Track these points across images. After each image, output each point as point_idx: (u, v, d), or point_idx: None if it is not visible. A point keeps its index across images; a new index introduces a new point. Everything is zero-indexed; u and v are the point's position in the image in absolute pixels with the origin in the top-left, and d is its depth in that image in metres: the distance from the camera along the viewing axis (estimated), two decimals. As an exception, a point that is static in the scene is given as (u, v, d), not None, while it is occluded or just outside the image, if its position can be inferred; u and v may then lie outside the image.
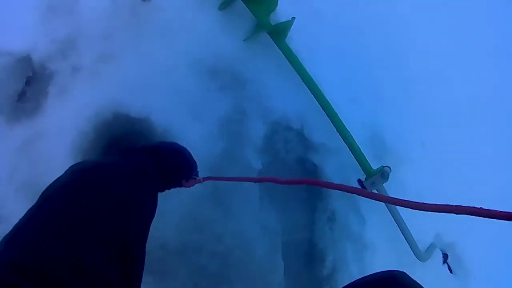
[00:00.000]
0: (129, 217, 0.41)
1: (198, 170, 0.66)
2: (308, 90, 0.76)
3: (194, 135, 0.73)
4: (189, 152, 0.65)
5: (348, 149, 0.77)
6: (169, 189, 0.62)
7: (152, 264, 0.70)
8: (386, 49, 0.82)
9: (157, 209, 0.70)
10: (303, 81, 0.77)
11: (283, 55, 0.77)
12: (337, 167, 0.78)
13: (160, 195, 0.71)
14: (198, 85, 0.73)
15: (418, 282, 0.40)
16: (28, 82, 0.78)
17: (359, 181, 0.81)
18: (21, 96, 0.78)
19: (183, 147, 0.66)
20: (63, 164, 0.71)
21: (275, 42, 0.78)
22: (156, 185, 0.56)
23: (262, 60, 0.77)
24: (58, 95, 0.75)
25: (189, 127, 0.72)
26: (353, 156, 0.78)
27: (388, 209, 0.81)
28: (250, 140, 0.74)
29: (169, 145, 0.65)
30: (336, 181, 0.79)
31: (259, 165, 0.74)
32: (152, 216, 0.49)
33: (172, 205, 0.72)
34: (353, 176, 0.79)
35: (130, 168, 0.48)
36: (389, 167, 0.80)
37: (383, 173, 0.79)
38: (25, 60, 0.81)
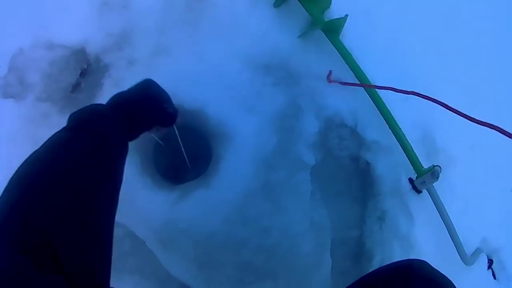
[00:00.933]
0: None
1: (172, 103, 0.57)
2: (362, 88, 0.75)
3: (248, 129, 0.71)
4: (155, 86, 0.56)
5: (400, 147, 0.76)
6: (141, 132, 0.54)
7: (198, 254, 0.68)
8: (439, 49, 0.80)
9: (207, 200, 0.67)
10: (356, 78, 0.76)
11: (337, 52, 0.76)
12: (389, 165, 0.75)
13: (211, 189, 0.68)
14: (253, 80, 0.71)
15: (462, 286, 0.38)
16: (83, 74, 0.78)
17: (410, 179, 0.79)
18: (75, 87, 0.78)
19: (147, 82, 0.57)
20: None
21: (329, 39, 0.77)
22: (120, 144, 0.48)
23: (316, 56, 0.75)
24: (113, 87, 0.74)
25: (243, 121, 0.70)
26: (404, 155, 0.77)
27: (438, 211, 0.79)
28: (304, 135, 0.71)
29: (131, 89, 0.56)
30: (388, 180, 0.77)
31: (312, 161, 0.72)
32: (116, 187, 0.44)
33: (222, 197, 0.70)
34: (404, 174, 0.77)
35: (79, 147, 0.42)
36: (439, 166, 0.77)
37: (434, 172, 0.77)
38: (80, 53, 0.81)
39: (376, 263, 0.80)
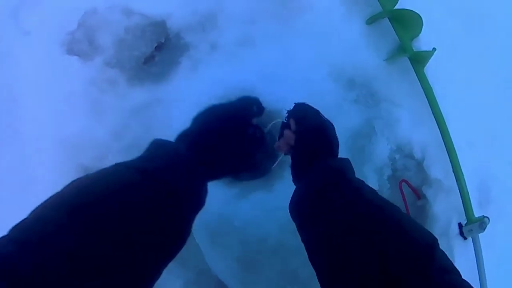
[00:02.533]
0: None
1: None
2: (436, 124, 0.72)
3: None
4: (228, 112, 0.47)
5: (458, 191, 0.74)
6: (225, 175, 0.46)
7: (245, 255, 0.63)
8: None
9: (266, 203, 0.63)
10: (433, 113, 0.73)
11: (419, 82, 0.73)
12: (445, 206, 0.72)
13: (272, 193, 0.61)
14: (335, 91, 0.66)
15: None
16: (159, 47, 0.71)
17: (460, 224, 0.77)
18: (149, 59, 0.70)
19: (215, 111, 0.46)
20: (177, 133, 0.67)
21: (414, 69, 0.73)
22: (195, 194, 0.39)
23: (399, 82, 0.71)
24: (191, 68, 0.68)
25: None
26: (460, 199, 0.75)
27: (476, 259, 0.77)
28: (372, 158, 0.67)
29: (208, 118, 0.45)
30: (441, 220, 0.75)
31: (375, 185, 0.67)
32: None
33: (282, 204, 0.65)
34: (455, 218, 0.74)
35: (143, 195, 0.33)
36: (488, 218, 0.76)
37: (482, 223, 0.76)
38: (159, 25, 0.74)
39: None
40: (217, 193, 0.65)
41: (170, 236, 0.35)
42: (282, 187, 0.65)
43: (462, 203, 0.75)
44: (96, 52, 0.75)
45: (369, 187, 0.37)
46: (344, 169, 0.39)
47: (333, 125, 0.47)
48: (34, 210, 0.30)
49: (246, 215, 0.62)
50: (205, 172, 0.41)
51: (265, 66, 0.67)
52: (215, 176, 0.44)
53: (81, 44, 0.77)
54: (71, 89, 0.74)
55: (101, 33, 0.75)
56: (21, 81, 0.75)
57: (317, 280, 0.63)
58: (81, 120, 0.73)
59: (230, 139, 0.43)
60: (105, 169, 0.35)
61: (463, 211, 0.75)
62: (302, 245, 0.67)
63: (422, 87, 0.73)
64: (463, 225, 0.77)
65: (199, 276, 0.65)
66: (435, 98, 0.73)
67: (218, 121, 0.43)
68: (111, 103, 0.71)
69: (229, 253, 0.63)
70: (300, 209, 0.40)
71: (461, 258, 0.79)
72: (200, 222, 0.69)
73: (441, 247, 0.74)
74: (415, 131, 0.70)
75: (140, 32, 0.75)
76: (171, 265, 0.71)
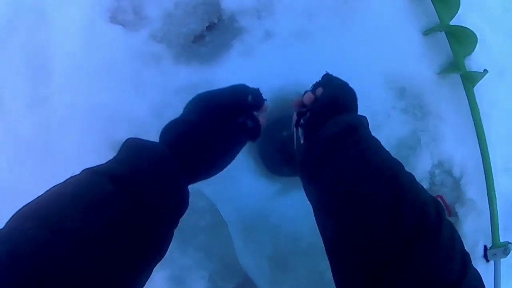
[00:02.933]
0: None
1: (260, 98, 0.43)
2: (478, 144, 0.71)
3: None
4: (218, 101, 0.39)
5: (489, 213, 0.74)
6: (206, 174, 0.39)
7: (276, 254, 0.61)
8: None
9: (305, 203, 0.61)
10: (476, 134, 0.72)
11: (467, 101, 0.72)
12: (473, 227, 0.71)
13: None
14: (385, 99, 0.64)
15: None
16: (210, 27, 0.67)
17: (485, 247, 0.77)
18: (199, 38, 0.66)
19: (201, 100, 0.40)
20: None
21: (464, 87, 0.72)
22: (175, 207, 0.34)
23: (448, 98, 0.69)
24: (243, 53, 0.64)
25: None
26: (489, 222, 0.75)
27: (494, 284, 0.77)
28: (413, 169, 0.66)
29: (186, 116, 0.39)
30: (468, 240, 0.74)
31: None
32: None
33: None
34: (481, 240, 0.74)
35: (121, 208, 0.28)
36: (511, 244, 0.77)
37: (506, 249, 0.76)
38: (213, 5, 0.69)
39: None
40: (258, 186, 0.62)
41: (148, 250, 0.30)
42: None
43: (491, 226, 0.75)
44: (142, 23, 0.71)
45: (380, 144, 0.36)
46: (359, 123, 0.36)
47: (355, 93, 0.44)
48: (10, 219, 0.26)
49: (284, 213, 0.60)
50: (187, 177, 0.35)
51: (318, 62, 0.64)
52: (197, 178, 0.38)
53: (126, 13, 0.72)
54: (111, 59, 0.69)
55: (150, 3, 0.71)
56: (57, 45, 0.70)
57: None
58: (118, 92, 0.68)
59: (218, 132, 0.37)
60: (76, 178, 0.30)
61: (490, 234, 0.75)
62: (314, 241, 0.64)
63: (470, 107, 0.72)
64: (488, 248, 0.77)
65: (225, 270, 0.62)
66: (480, 119, 0.71)
67: (206, 112, 0.38)
68: (154, 79, 0.66)
69: (261, 250, 0.61)
70: (310, 159, 0.36)
71: (484, 280, 0.79)
72: (235, 213, 0.66)
73: None
74: (458, 149, 0.69)
75: (192, 8, 0.71)
76: (195, 255, 0.68)
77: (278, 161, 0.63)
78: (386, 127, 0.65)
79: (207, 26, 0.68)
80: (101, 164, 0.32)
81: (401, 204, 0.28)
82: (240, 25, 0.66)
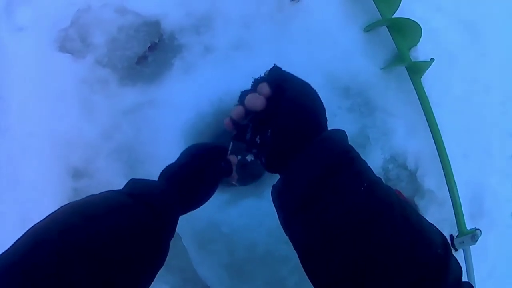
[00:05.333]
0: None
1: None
2: (431, 134, 0.68)
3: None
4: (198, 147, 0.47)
5: (451, 203, 0.70)
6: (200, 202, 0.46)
7: (233, 262, 0.59)
8: (508, 112, 0.74)
9: (255, 210, 0.60)
10: (428, 124, 0.68)
11: (415, 93, 0.68)
12: (437, 217, 0.67)
13: (263, 200, 0.58)
14: (330, 99, 0.61)
15: None
16: (152, 48, 0.64)
17: (451, 236, 0.72)
18: (142, 59, 0.64)
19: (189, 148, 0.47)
20: (171, 137, 0.58)
21: (411, 79, 0.67)
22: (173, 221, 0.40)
23: (395, 92, 0.64)
24: (184, 70, 0.61)
25: None
26: (453, 211, 0.71)
27: (466, 271, 0.72)
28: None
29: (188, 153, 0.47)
30: None
31: None
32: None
33: (272, 210, 0.60)
34: (447, 229, 0.70)
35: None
36: (480, 230, 0.72)
37: (474, 236, 0.72)
38: (153, 25, 0.67)
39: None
40: None
41: (156, 256, 0.34)
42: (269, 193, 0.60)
43: (455, 215, 0.71)
44: (88, 50, 0.69)
45: (372, 172, 0.28)
46: (353, 150, 0.29)
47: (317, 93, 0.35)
48: (26, 232, 0.29)
49: (235, 222, 0.56)
50: (181, 205, 0.41)
51: (259, 71, 0.62)
52: (188, 208, 0.44)
53: (73, 42, 0.71)
54: (62, 87, 0.68)
55: (94, 31, 0.69)
56: (11, 77, 0.70)
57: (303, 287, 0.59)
58: (71, 119, 0.67)
59: (203, 171, 0.44)
60: (96, 194, 0.35)
61: (455, 223, 0.71)
62: (291, 253, 0.61)
63: (418, 97, 0.68)
64: (455, 237, 0.73)
65: (184, 282, 0.60)
66: (431, 109, 0.67)
67: (194, 157, 0.45)
68: (102, 103, 0.64)
69: (217, 260, 0.59)
70: (295, 195, 0.28)
71: None
72: (188, 227, 0.65)
73: None
74: (410, 141, 0.65)
75: (134, 31, 0.69)
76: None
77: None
78: (333, 127, 0.62)
79: (149, 47, 0.65)
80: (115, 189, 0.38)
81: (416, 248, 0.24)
82: (180, 42, 0.63)
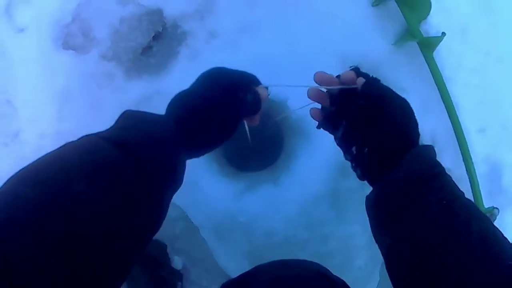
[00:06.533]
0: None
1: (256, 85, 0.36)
2: (445, 110, 0.64)
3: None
4: (223, 75, 0.36)
5: (468, 181, 0.66)
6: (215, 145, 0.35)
7: (252, 249, 0.56)
8: None
9: (272, 197, 0.55)
10: (442, 99, 0.64)
11: (427, 67, 0.64)
12: None
13: (279, 186, 0.54)
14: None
15: None
16: (156, 37, 0.60)
17: None
18: (146, 50, 0.59)
19: (211, 74, 0.36)
20: None
21: (423, 54, 0.63)
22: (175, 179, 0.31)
23: (407, 69, 0.59)
24: (190, 58, 0.57)
25: None
26: (470, 189, 0.67)
27: None
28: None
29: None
30: None
31: None
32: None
33: (289, 197, 0.58)
34: None
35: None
36: (497, 209, 0.69)
37: (492, 215, 0.68)
38: (156, 14, 0.61)
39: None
40: (222, 188, 0.56)
41: (148, 218, 0.28)
42: (288, 180, 0.56)
43: (472, 193, 0.67)
44: (92, 45, 0.65)
45: (455, 186, 0.30)
46: (432, 163, 0.30)
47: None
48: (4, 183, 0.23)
49: (252, 210, 0.53)
50: (187, 149, 0.32)
51: (266, 53, 0.56)
52: (197, 151, 0.35)
53: (76, 37, 0.67)
54: (68, 85, 0.64)
55: (96, 24, 0.64)
56: (17, 81, 0.66)
57: None
58: (80, 117, 0.64)
59: (221, 108, 0.33)
60: (77, 143, 0.27)
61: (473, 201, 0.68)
62: (309, 238, 0.54)
63: (431, 73, 0.63)
64: None
65: (207, 272, 0.58)
66: (445, 84, 0.62)
67: (214, 87, 0.34)
68: (110, 98, 0.60)
69: (236, 248, 0.56)
70: (386, 206, 0.30)
71: None
72: (205, 218, 0.61)
73: None
74: (424, 118, 0.60)
75: (136, 22, 0.65)
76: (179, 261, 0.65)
77: (243, 156, 0.57)
78: (346, 108, 0.58)
79: (153, 37, 0.60)
80: (101, 131, 0.29)
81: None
82: (184, 30, 0.58)
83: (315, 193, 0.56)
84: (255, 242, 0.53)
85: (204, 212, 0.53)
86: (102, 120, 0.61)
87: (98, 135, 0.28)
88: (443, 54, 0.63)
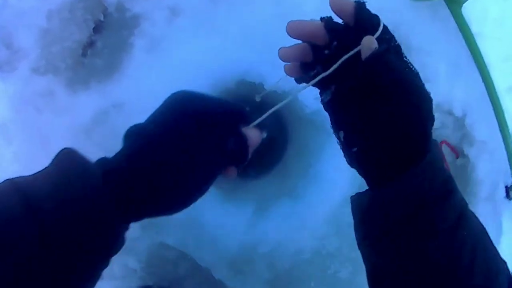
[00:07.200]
0: None
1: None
2: (478, 73, 0.51)
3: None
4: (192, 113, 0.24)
5: (504, 150, 0.56)
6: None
7: (281, 273, 0.44)
8: None
9: (292, 215, 0.43)
10: (473, 58, 0.50)
11: (456, 26, 0.50)
12: (489, 167, 0.52)
13: (298, 200, 0.41)
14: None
15: None
16: (98, 28, 0.43)
17: (506, 187, 0.59)
18: (88, 48, 0.43)
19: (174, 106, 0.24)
20: None
21: (450, 10, 0.50)
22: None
23: (431, 26, 0.45)
24: (148, 49, 0.40)
25: None
26: (507, 159, 0.57)
27: None
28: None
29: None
30: (486, 182, 0.57)
31: None
32: None
33: (312, 209, 0.45)
34: (501, 180, 0.56)
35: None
36: None
37: None
38: None
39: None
40: (229, 219, 0.41)
41: None
42: (306, 187, 0.42)
43: (509, 163, 0.58)
44: (17, 57, 0.47)
45: (464, 204, 0.24)
46: (445, 178, 0.23)
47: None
48: None
49: (271, 236, 0.39)
50: (134, 211, 0.22)
51: (255, 28, 0.42)
52: (152, 212, 0.23)
53: (-3, 50, 0.51)
54: (1, 116, 0.49)
55: (20, 30, 0.47)
56: None
57: (358, 278, 0.47)
58: (22, 156, 0.49)
59: (192, 154, 0.22)
60: None
61: (510, 172, 0.58)
62: (340, 244, 0.47)
63: (461, 31, 0.49)
64: (510, 186, 0.60)
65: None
66: (476, 43, 0.49)
67: (182, 123, 0.22)
68: (54, 122, 0.45)
69: (258, 278, 0.44)
70: (385, 220, 0.23)
71: (510, 222, 0.64)
72: (217, 258, 0.42)
73: (487, 212, 0.57)
74: (454, 85, 0.46)
75: (68, 13, 0.48)
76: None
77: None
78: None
79: (93, 29, 0.43)
80: (27, 177, 0.21)
81: None
82: (134, 12, 0.41)
83: (341, 194, 0.43)
84: (279, 266, 0.41)
85: (214, 252, 0.40)
86: (50, 155, 0.47)
87: (15, 182, 0.20)
88: (467, 7, 0.49)
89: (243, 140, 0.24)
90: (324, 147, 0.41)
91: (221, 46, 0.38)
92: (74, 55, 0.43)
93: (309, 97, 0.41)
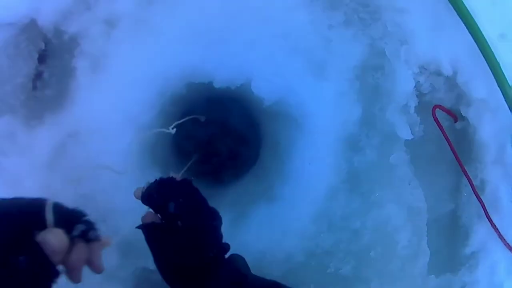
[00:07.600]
0: None
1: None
2: (466, 30, 0.43)
3: (316, 100, 0.38)
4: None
5: (507, 107, 0.48)
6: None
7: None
8: None
9: (274, 219, 0.41)
10: (456, 10, 0.42)
11: None
12: (493, 127, 0.46)
13: (278, 201, 0.38)
14: (314, 22, 0.35)
15: None
16: (42, 58, 0.41)
17: None
18: (37, 81, 0.41)
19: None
20: (115, 177, 0.33)
21: None
22: None
23: None
24: (93, 69, 0.38)
25: (312, 91, 0.36)
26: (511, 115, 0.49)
27: None
28: (392, 94, 0.39)
29: None
30: (491, 145, 0.51)
31: (408, 133, 0.40)
32: None
33: (297, 209, 0.41)
34: (510, 140, 0.50)
35: None
36: None
37: None
38: (31, 28, 0.41)
39: (473, 242, 0.57)
40: None
41: None
42: (288, 188, 0.38)
43: None
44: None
45: None
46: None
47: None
48: None
49: (253, 247, 0.37)
50: None
51: (205, 22, 0.37)
52: None
53: None
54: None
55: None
56: None
57: (363, 271, 0.43)
58: None
59: None
60: None
61: None
62: (337, 239, 0.43)
63: None
64: None
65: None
66: None
67: None
68: (21, 163, 0.43)
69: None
70: None
71: None
72: None
73: (497, 177, 0.50)
74: (438, 40, 0.40)
75: (13, 48, 0.45)
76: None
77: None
78: (333, 60, 0.38)
79: (37, 59, 0.40)
80: None
81: None
82: (71, 33, 0.38)
83: (327, 185, 0.39)
84: (271, 276, 0.38)
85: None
86: (24, 194, 0.45)
87: None
88: None
89: (37, 255, 0.17)
90: (295, 141, 0.37)
91: (164, 50, 0.34)
92: (26, 90, 0.41)
93: (263, 89, 0.36)
